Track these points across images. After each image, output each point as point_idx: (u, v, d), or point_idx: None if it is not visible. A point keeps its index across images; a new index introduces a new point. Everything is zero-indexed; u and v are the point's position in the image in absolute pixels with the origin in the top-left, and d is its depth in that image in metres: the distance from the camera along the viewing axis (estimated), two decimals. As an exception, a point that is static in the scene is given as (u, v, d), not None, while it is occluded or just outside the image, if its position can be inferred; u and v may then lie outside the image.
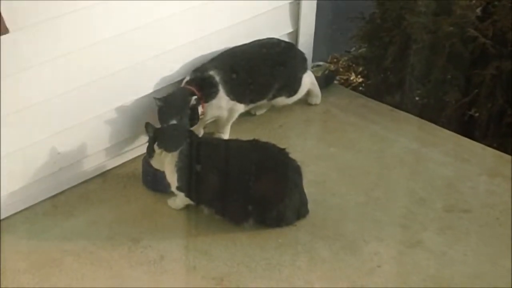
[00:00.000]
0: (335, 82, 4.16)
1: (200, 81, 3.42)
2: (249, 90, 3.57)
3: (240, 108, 3.59)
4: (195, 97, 3.34)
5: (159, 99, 3.33)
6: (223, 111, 3.52)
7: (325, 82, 4.00)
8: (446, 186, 3.39)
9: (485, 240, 3.08)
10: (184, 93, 3.37)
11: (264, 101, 3.69)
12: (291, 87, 3.72)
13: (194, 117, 3.37)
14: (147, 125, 3.14)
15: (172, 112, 3.30)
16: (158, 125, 3.25)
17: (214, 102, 3.46)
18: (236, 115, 3.60)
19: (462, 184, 3.39)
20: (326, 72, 4.28)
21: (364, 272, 2.93)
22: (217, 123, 3.60)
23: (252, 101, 3.64)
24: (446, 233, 3.11)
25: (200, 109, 3.39)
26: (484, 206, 3.25)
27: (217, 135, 3.59)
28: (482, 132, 3.82)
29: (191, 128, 3.35)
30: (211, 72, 3.46)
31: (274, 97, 3.69)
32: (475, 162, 3.52)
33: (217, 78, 3.46)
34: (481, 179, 3.43)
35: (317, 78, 3.95)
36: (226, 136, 3.58)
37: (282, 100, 3.73)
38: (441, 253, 3.01)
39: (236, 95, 3.51)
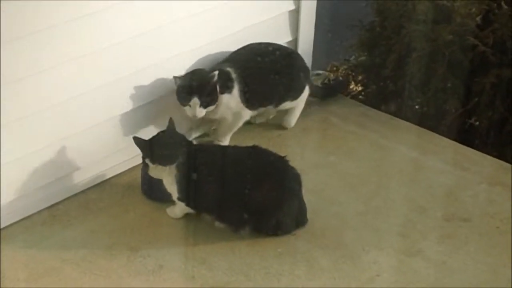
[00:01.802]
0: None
1: (218, 71, 3.42)
2: (258, 95, 3.57)
3: (246, 115, 3.58)
4: (216, 72, 3.35)
5: (178, 77, 3.35)
6: (229, 114, 3.52)
7: (334, 90, 4.02)
8: (445, 195, 3.38)
9: (485, 249, 3.07)
10: (205, 72, 3.41)
11: (270, 107, 3.69)
12: (296, 93, 3.71)
13: (213, 95, 3.37)
14: (135, 138, 3.08)
15: (193, 89, 3.31)
16: (158, 126, 3.25)
17: (227, 96, 3.46)
18: (239, 123, 3.59)
19: (462, 192, 3.38)
20: (333, 79, 4.26)
21: (363, 281, 2.92)
22: (219, 128, 3.59)
23: (261, 105, 3.63)
24: (446, 242, 3.10)
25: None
26: (484, 215, 3.24)
27: (216, 143, 3.57)
28: (482, 140, 3.81)
29: (208, 109, 3.35)
30: (229, 69, 3.48)
31: (278, 104, 3.68)
32: (475, 170, 3.51)
33: (233, 76, 3.48)
34: (481, 187, 3.42)
35: (326, 86, 4.01)
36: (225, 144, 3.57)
37: (287, 105, 3.72)
38: (441, 262, 3.00)
39: (246, 98, 3.52)
